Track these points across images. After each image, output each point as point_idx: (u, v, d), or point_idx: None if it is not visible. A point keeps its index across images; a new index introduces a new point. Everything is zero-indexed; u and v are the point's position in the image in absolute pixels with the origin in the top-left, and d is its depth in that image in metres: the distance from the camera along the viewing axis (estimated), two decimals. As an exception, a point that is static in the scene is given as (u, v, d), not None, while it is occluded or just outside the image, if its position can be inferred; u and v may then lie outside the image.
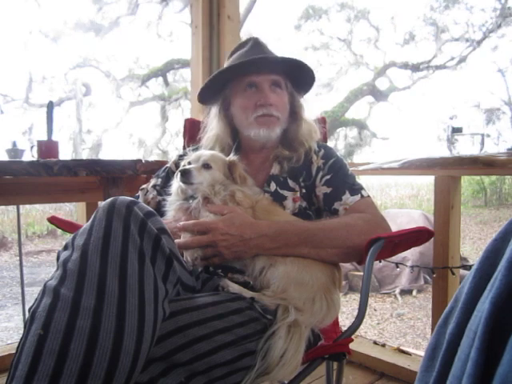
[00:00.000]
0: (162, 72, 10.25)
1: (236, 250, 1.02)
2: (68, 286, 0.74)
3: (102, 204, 0.85)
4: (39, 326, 0.70)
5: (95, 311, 0.71)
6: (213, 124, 1.34)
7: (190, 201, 1.14)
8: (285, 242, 1.04)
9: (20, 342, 0.73)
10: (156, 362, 0.78)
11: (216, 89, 1.32)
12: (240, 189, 1.13)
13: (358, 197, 1.17)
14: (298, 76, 1.30)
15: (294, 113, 1.30)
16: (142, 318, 0.75)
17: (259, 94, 1.22)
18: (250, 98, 1.23)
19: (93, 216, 0.84)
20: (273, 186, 1.24)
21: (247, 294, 1.00)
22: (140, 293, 0.76)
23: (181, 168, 1.14)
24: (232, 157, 1.19)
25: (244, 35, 9.83)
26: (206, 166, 1.14)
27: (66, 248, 0.83)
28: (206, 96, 1.36)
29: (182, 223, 1.03)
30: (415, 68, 10.37)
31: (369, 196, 1.20)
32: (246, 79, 1.24)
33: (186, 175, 1.11)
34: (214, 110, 1.35)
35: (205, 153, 1.18)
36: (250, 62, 1.21)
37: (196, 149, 1.38)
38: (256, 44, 1.29)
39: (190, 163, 1.16)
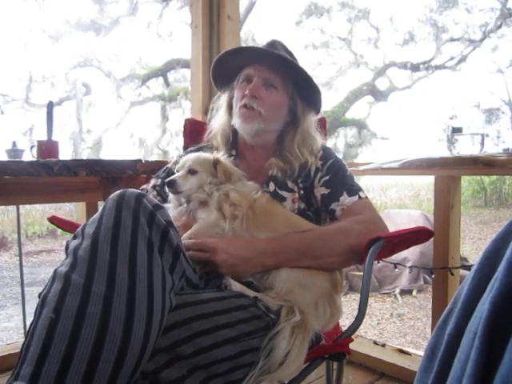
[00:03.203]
0: (162, 72, 10.24)
1: (236, 269, 1.02)
2: (79, 273, 0.75)
3: (111, 195, 0.86)
4: (50, 310, 0.71)
5: (106, 298, 0.72)
6: (220, 111, 1.38)
7: (186, 204, 1.15)
8: (285, 258, 1.04)
9: (30, 327, 0.73)
10: (160, 352, 0.79)
11: (227, 76, 1.35)
12: (234, 188, 1.12)
13: (355, 198, 1.17)
14: (304, 87, 1.28)
15: (294, 120, 1.29)
16: (151, 307, 0.76)
17: (250, 86, 1.24)
18: (242, 89, 1.26)
19: (102, 206, 0.85)
20: (272, 187, 1.24)
21: (250, 293, 1.00)
22: (149, 282, 0.78)
23: (167, 179, 1.15)
24: (216, 154, 1.19)
25: (244, 35, 9.83)
26: (192, 171, 1.13)
27: (75, 237, 0.84)
28: (217, 79, 1.39)
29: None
30: (415, 68, 10.36)
31: (367, 197, 1.20)
32: (244, 72, 1.28)
33: (171, 185, 1.11)
34: (224, 98, 1.37)
35: (190, 157, 1.17)
36: (243, 49, 1.27)
37: (197, 149, 1.38)
38: (271, 44, 1.30)
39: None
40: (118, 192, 0.86)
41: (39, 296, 0.76)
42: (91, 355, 0.68)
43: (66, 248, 0.84)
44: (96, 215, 0.84)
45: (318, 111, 1.35)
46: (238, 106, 1.25)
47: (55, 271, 0.78)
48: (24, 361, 0.68)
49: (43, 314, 0.72)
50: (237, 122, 1.26)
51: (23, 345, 0.71)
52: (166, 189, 1.14)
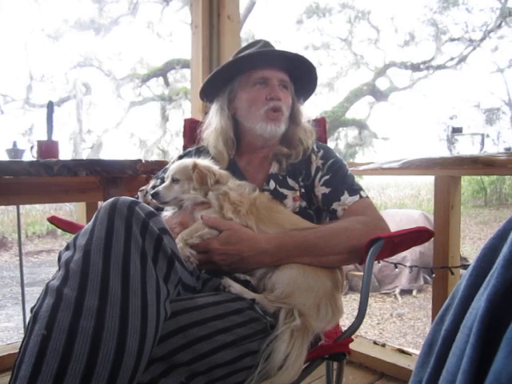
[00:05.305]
0: (162, 72, 10.25)
1: (235, 266, 1.04)
2: (71, 286, 0.73)
3: (103, 204, 0.85)
4: (42, 326, 0.70)
5: (98, 311, 0.71)
6: (213, 119, 1.34)
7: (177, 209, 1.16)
8: (286, 255, 1.04)
9: (22, 343, 0.72)
10: (157, 362, 0.78)
11: (218, 85, 1.33)
12: (232, 188, 1.13)
13: (356, 197, 1.17)
14: (301, 78, 1.32)
15: (292, 117, 1.32)
16: (145, 319, 0.75)
17: (269, 88, 1.24)
18: (259, 91, 1.25)
19: (94, 216, 0.84)
20: (272, 185, 1.24)
21: (248, 295, 0.99)
22: (142, 293, 0.76)
23: (152, 191, 1.15)
24: (195, 159, 1.18)
25: (244, 35, 9.83)
26: (174, 179, 1.14)
27: (67, 248, 0.83)
28: (207, 92, 1.37)
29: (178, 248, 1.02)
30: (415, 68, 10.36)
31: (367, 196, 1.20)
32: (256, 74, 1.26)
33: (156, 197, 1.13)
34: (217, 105, 1.34)
35: (173, 166, 1.18)
36: (264, 53, 1.24)
37: (197, 150, 1.38)
38: (266, 44, 1.31)
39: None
40: (110, 200, 0.84)
41: (31, 310, 0.75)
42: (84, 371, 0.67)
43: (59, 259, 0.82)
44: (88, 225, 0.83)
45: (306, 99, 1.41)
46: (265, 109, 1.23)
47: (47, 285, 0.77)
48: (16, 378, 0.68)
49: (35, 330, 0.70)
50: (260, 124, 1.24)
51: (15, 361, 0.71)
52: (153, 200, 1.14)
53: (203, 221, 1.06)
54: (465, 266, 1.86)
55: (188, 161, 1.17)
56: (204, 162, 1.18)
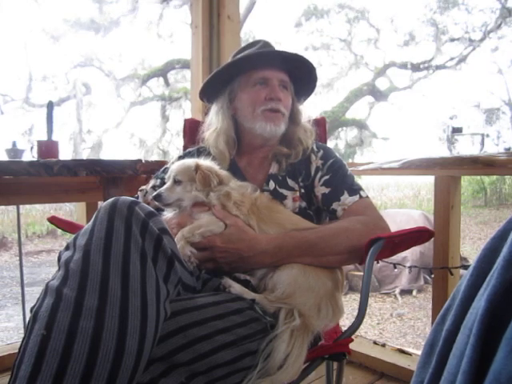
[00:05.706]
0: (162, 72, 10.25)
1: (235, 265, 1.04)
2: (70, 286, 0.73)
3: (103, 204, 0.84)
4: (42, 326, 0.70)
5: (98, 312, 0.71)
6: (214, 119, 1.34)
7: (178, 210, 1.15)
8: (286, 255, 1.04)
9: (22, 343, 0.72)
10: (156, 362, 0.78)
11: (217, 85, 1.33)
12: (233, 188, 1.12)
13: (356, 197, 1.17)
14: (301, 79, 1.32)
15: (292, 116, 1.32)
16: (145, 319, 0.75)
17: (269, 88, 1.24)
18: (259, 92, 1.25)
19: (94, 216, 0.84)
20: (272, 185, 1.24)
21: (248, 295, 0.99)
22: (142, 293, 0.76)
23: (153, 194, 1.14)
24: (198, 160, 1.17)
25: (244, 35, 9.83)
26: (177, 181, 1.13)
27: (67, 248, 0.83)
28: (207, 92, 1.37)
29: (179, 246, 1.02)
30: (415, 68, 10.37)
31: (367, 196, 1.20)
32: (256, 74, 1.26)
33: (158, 199, 1.11)
34: (218, 105, 1.34)
35: (174, 166, 1.16)
36: (265, 53, 1.25)
37: (197, 150, 1.38)
38: (266, 44, 1.31)
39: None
40: (110, 200, 0.84)
41: (31, 310, 0.75)
42: (84, 371, 0.67)
43: (59, 259, 0.82)
44: (88, 225, 0.83)
45: (305, 99, 1.41)
46: (262, 109, 1.24)
47: (47, 285, 0.77)
48: (16, 378, 0.68)
49: (35, 329, 0.70)
50: (259, 124, 1.24)
51: (15, 361, 0.70)
52: (155, 202, 1.14)
53: (214, 210, 1.07)
54: (465, 267, 1.86)
55: (190, 161, 1.17)
56: (206, 162, 1.17)
